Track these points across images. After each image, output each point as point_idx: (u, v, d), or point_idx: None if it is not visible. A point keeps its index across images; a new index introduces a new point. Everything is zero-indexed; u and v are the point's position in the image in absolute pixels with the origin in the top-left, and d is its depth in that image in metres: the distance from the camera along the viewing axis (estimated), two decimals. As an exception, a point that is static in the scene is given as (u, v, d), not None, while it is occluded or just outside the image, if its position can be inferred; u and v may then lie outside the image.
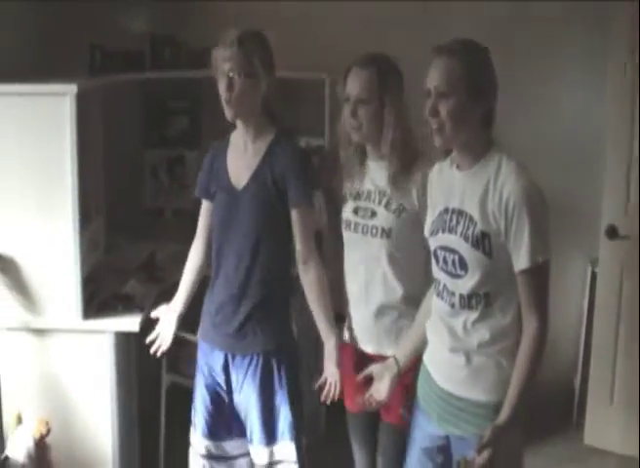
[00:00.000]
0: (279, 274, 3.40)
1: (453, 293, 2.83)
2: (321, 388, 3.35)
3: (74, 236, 3.83)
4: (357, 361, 3.39)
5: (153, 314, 3.63)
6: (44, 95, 3.73)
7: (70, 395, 3.92)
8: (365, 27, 5.02)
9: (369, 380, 3.20)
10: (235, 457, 3.57)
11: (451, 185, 2.85)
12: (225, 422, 3.52)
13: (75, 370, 3.91)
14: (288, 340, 3.46)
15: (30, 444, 3.46)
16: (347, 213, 3.34)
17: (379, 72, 3.22)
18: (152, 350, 3.59)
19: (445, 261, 2.83)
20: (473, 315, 2.80)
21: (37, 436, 3.49)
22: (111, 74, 4.27)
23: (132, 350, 4.03)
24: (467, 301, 2.80)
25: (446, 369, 2.90)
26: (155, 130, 5.20)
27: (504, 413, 2.71)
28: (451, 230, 2.80)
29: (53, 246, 3.84)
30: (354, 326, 3.41)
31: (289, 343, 3.48)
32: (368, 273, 3.33)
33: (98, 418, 3.93)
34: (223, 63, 3.21)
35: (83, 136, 3.89)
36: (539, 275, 2.71)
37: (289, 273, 3.44)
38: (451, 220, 2.81)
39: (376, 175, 3.33)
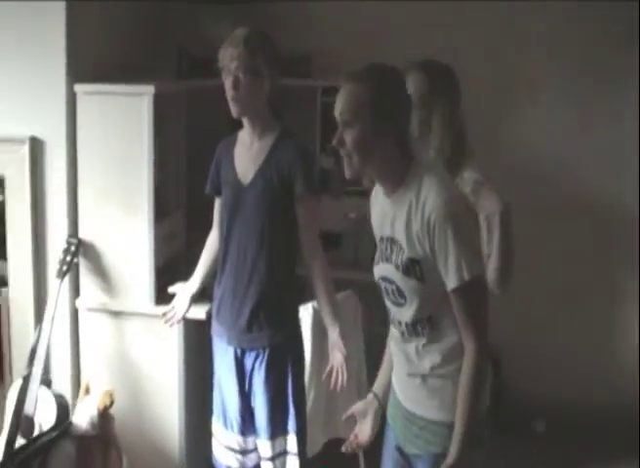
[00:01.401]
0: (284, 270, 3.53)
1: (400, 322, 2.75)
2: (329, 378, 3.48)
3: (149, 228, 4.13)
4: None
5: (170, 289, 3.90)
6: (125, 94, 4.04)
7: (139, 374, 4.24)
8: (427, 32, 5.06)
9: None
10: (252, 450, 3.71)
11: (384, 212, 2.76)
12: (242, 415, 3.66)
13: (145, 352, 4.22)
14: (294, 336, 3.59)
15: (94, 413, 3.76)
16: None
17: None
18: (164, 322, 3.89)
19: (387, 292, 2.76)
20: (422, 340, 2.72)
21: (101, 407, 3.77)
22: (196, 78, 4.54)
23: (199, 336, 4.28)
24: (413, 328, 2.72)
25: (406, 389, 2.83)
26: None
27: (453, 451, 2.62)
28: (387, 260, 2.72)
29: (131, 236, 4.16)
30: None
31: (295, 339, 3.61)
32: None
33: (165, 398, 4.22)
34: (230, 62, 3.35)
35: (162, 134, 4.21)
36: (469, 293, 2.57)
37: (294, 269, 3.57)
38: (386, 249, 2.73)
39: None
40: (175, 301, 3.92)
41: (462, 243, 2.53)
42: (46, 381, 4.11)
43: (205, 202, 3.84)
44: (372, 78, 2.59)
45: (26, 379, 3.97)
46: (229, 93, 3.42)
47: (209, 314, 3.92)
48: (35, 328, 4.15)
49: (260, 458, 3.69)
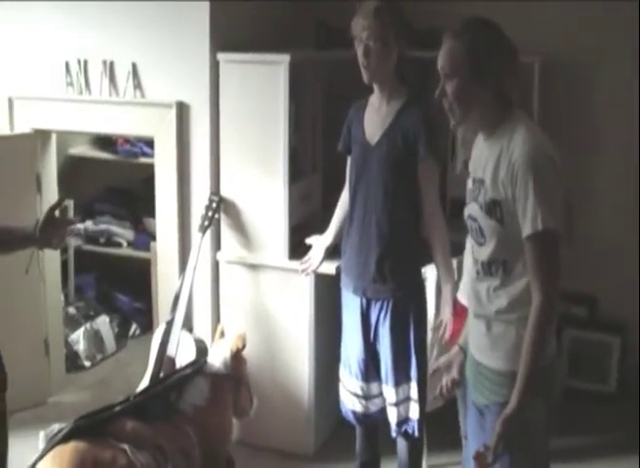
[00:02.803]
0: (407, 227, 3.73)
1: (477, 261, 2.86)
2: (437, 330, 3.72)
3: (285, 189, 4.41)
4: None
5: (307, 240, 4.17)
6: (263, 63, 4.32)
7: (272, 322, 4.54)
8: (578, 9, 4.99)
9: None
10: (376, 396, 3.94)
11: (480, 155, 2.87)
12: (366, 363, 3.89)
13: (279, 302, 4.52)
14: (416, 290, 3.78)
15: (227, 354, 4.03)
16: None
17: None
18: (300, 271, 4.21)
19: (471, 229, 2.87)
20: (494, 282, 2.80)
21: (234, 349, 4.04)
22: (334, 49, 4.77)
23: (329, 289, 4.45)
24: (488, 268, 2.81)
25: (474, 336, 2.93)
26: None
27: (513, 401, 2.68)
28: (474, 199, 2.84)
29: (268, 195, 4.45)
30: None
31: (417, 293, 3.81)
32: None
33: (295, 345, 4.52)
34: (362, 32, 3.58)
35: (299, 100, 4.47)
36: (541, 243, 2.65)
37: (418, 228, 3.75)
38: (475, 190, 2.84)
39: None
40: (311, 252, 4.20)
41: (541, 194, 2.62)
42: (188, 326, 4.49)
43: (341, 166, 4.06)
44: (468, 33, 2.73)
45: (170, 324, 4.35)
46: (360, 60, 3.65)
47: (338, 269, 4.14)
48: (179, 277, 4.51)
49: (382, 403, 3.92)
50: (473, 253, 2.91)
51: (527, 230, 2.65)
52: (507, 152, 2.71)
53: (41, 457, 3.37)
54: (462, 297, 3.64)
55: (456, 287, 3.77)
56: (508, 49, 2.79)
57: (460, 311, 3.67)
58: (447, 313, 3.72)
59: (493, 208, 2.74)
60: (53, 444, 3.37)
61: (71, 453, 3.30)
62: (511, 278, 2.77)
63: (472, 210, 2.85)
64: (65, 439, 3.36)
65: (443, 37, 2.80)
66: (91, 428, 3.42)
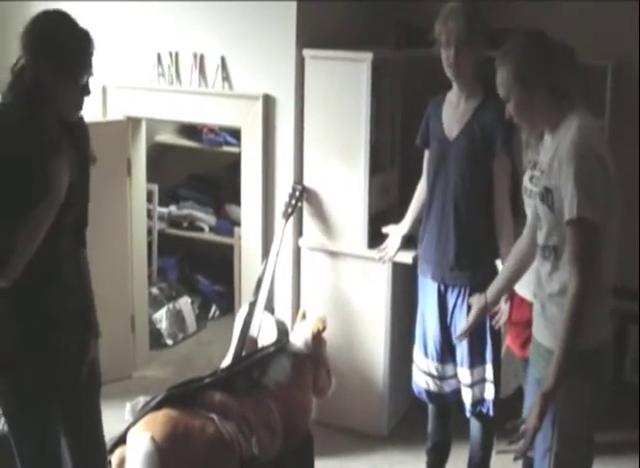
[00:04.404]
0: (483, 218, 3.89)
1: (537, 245, 3.07)
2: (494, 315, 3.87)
3: (365, 181, 4.62)
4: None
5: (384, 229, 4.35)
6: (347, 60, 4.53)
7: (351, 307, 4.76)
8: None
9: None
10: (450, 377, 4.11)
11: (546, 148, 3.04)
12: (441, 346, 4.06)
13: (357, 288, 4.73)
14: (491, 277, 3.78)
15: (308, 335, 4.23)
16: (525, 180, 3.41)
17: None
18: (377, 259, 4.42)
19: (535, 215, 3.10)
20: (548, 267, 2.98)
21: (315, 330, 4.23)
22: (414, 47, 4.92)
23: (405, 277, 4.68)
24: (542, 252, 3.01)
25: (534, 315, 3.13)
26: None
27: (549, 378, 2.84)
28: (536, 186, 3.08)
29: (348, 186, 4.67)
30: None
31: (492, 279, 3.79)
32: None
33: (372, 329, 4.73)
34: (448, 33, 3.75)
35: (380, 96, 4.65)
36: (578, 230, 2.80)
37: (492, 220, 3.88)
38: (539, 179, 3.05)
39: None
40: (387, 241, 4.41)
41: (580, 184, 2.78)
42: (270, 308, 4.72)
43: (417, 161, 4.24)
44: (508, 57, 2.98)
45: (252, 306, 4.58)
46: (445, 61, 3.83)
47: (415, 259, 4.33)
48: (262, 262, 4.74)
49: (456, 385, 4.10)
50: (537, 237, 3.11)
51: (566, 215, 2.82)
52: (561, 144, 2.90)
53: (134, 423, 3.63)
54: (520, 289, 3.78)
55: None
56: (556, 53, 3.00)
57: (518, 302, 3.86)
58: (503, 301, 3.85)
59: (546, 195, 2.94)
60: (146, 410, 3.63)
61: (163, 420, 3.55)
62: (561, 263, 2.93)
63: (536, 197, 3.06)
64: (158, 406, 3.62)
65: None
66: (182, 398, 3.67)
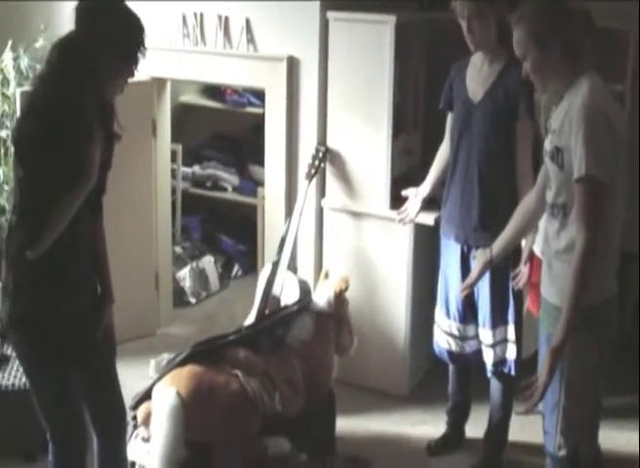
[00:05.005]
0: (506, 180, 3.92)
1: (546, 203, 3.16)
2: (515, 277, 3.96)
3: (387, 142, 4.65)
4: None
5: (403, 192, 4.38)
6: (370, 22, 4.55)
7: (373, 267, 4.81)
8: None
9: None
10: (472, 338, 4.18)
11: (559, 109, 3.11)
12: (464, 306, 4.12)
13: (379, 248, 4.78)
14: None
15: (331, 294, 4.26)
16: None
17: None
18: (398, 221, 4.44)
19: (546, 174, 3.19)
20: (555, 224, 3.08)
21: (337, 289, 4.26)
22: (436, 10, 4.93)
23: (427, 238, 4.70)
24: (551, 210, 3.11)
25: (542, 272, 3.24)
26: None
27: (558, 333, 2.94)
28: (548, 146, 3.14)
29: (371, 147, 4.70)
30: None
31: None
32: None
33: (394, 289, 4.78)
34: (461, 8, 3.81)
35: (403, 58, 4.67)
36: (586, 187, 2.90)
37: (515, 182, 3.91)
38: (550, 140, 3.12)
39: None
40: (407, 203, 4.43)
41: (589, 143, 2.88)
42: (292, 268, 4.78)
43: (440, 124, 4.27)
44: (524, 19, 3.08)
45: (275, 265, 4.64)
46: (465, 33, 3.88)
47: (437, 220, 4.38)
48: (285, 222, 4.80)
49: (477, 346, 4.17)
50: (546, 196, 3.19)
51: (575, 174, 2.92)
52: (571, 105, 2.99)
53: (159, 378, 3.72)
54: (538, 250, 3.83)
55: (533, 240, 3.95)
56: (571, 15, 3.09)
57: (537, 264, 3.88)
58: (522, 263, 3.94)
59: (556, 154, 3.03)
60: (171, 366, 3.72)
61: (188, 376, 3.64)
62: (569, 221, 3.02)
63: (546, 156, 3.15)
64: (183, 362, 3.70)
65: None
66: (206, 354, 3.76)
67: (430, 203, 4.44)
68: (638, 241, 4.80)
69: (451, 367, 4.35)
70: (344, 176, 4.81)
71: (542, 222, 3.42)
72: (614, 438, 3.95)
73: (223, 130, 6.89)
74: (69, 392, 3.17)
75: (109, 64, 2.93)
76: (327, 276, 4.49)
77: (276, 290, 4.60)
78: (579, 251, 2.92)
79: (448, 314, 4.20)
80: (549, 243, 3.15)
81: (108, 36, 2.92)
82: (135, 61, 2.99)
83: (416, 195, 4.39)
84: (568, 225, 3.03)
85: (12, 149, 5.29)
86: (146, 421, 3.68)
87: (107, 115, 3.05)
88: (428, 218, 4.52)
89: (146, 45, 3.01)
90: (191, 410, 3.56)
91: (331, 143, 4.80)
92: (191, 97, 6.77)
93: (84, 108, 2.88)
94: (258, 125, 5.68)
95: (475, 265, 3.80)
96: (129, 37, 2.96)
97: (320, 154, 4.76)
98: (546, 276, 3.18)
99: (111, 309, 3.32)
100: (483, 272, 3.75)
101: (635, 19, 4.63)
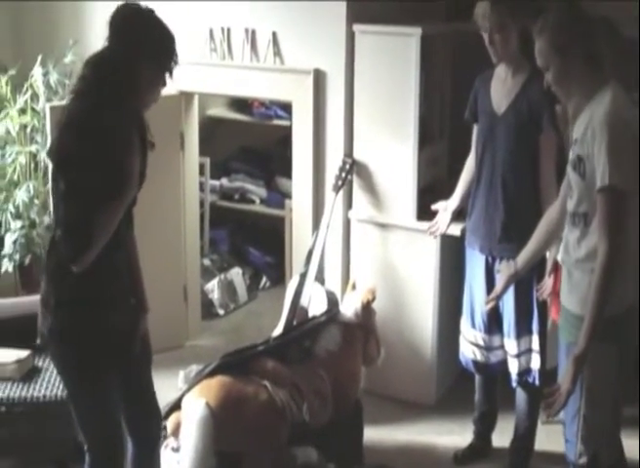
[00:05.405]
0: (530, 192, 3.93)
1: (567, 212, 3.17)
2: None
3: (414, 153, 4.68)
4: None
5: (433, 206, 4.41)
6: (396, 34, 4.59)
7: (399, 278, 4.83)
8: None
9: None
10: (497, 348, 4.18)
11: (582, 118, 3.11)
12: (489, 317, 4.12)
13: (406, 260, 4.80)
14: None
15: (358, 305, 4.32)
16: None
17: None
18: (428, 234, 4.48)
19: (568, 184, 3.19)
20: (576, 233, 3.09)
21: (365, 300, 4.32)
22: (463, 21, 4.94)
23: (453, 249, 4.69)
24: (572, 219, 3.12)
25: (562, 281, 3.26)
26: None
27: (580, 342, 2.95)
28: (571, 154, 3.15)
29: (398, 159, 4.73)
30: None
31: None
32: None
33: (421, 300, 4.80)
34: (483, 21, 3.84)
35: (429, 70, 4.70)
36: (608, 197, 2.90)
37: (539, 194, 3.92)
38: (573, 150, 3.13)
39: None
40: (438, 217, 4.46)
41: (612, 153, 2.89)
42: (320, 279, 4.81)
43: (466, 134, 4.29)
44: (546, 30, 3.09)
45: (303, 276, 4.68)
46: (487, 44, 3.91)
47: (463, 231, 4.39)
48: (312, 233, 4.83)
49: (502, 356, 4.17)
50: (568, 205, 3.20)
51: (598, 183, 2.92)
52: (594, 114, 2.99)
53: (189, 389, 3.76)
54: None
55: (557, 251, 3.97)
56: (593, 25, 3.10)
57: (561, 274, 3.89)
58: (546, 274, 3.95)
59: (578, 163, 3.04)
60: (200, 377, 3.76)
61: (217, 386, 3.68)
62: (590, 230, 3.04)
63: (569, 165, 3.17)
64: (212, 373, 3.74)
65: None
66: (235, 365, 3.79)
67: (457, 214, 4.46)
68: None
69: (477, 376, 4.36)
70: (371, 188, 4.84)
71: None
72: (634, 447, 3.93)
73: (251, 142, 6.94)
74: (109, 403, 3.21)
75: (145, 75, 2.99)
76: (354, 287, 4.53)
77: (304, 301, 4.63)
78: (601, 260, 2.93)
79: (473, 324, 4.21)
80: (569, 251, 3.16)
81: (144, 47, 2.98)
82: (169, 71, 3.04)
83: (445, 208, 4.42)
84: (589, 234, 3.05)
85: (42, 164, 5.48)
86: (176, 432, 3.72)
87: (141, 125, 3.10)
88: (455, 229, 4.53)
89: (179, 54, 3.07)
90: (220, 421, 3.59)
91: (357, 155, 4.84)
92: (219, 111, 6.83)
93: (122, 120, 2.93)
94: (285, 137, 5.72)
95: (500, 278, 3.82)
96: (163, 47, 3.02)
97: (347, 166, 4.79)
98: (566, 285, 3.20)
99: (146, 319, 3.37)
100: (508, 285, 3.77)
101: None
